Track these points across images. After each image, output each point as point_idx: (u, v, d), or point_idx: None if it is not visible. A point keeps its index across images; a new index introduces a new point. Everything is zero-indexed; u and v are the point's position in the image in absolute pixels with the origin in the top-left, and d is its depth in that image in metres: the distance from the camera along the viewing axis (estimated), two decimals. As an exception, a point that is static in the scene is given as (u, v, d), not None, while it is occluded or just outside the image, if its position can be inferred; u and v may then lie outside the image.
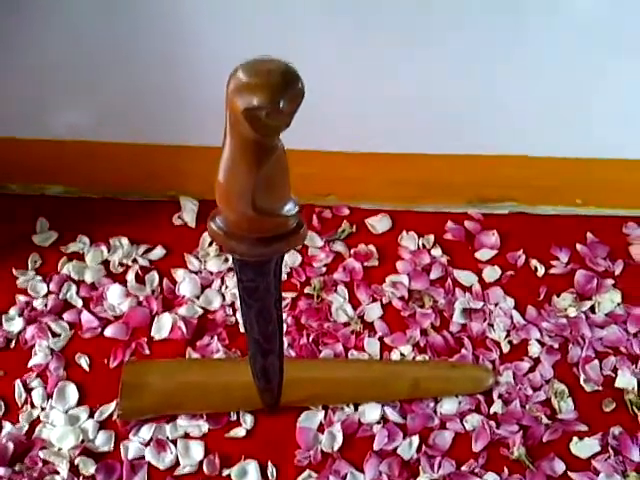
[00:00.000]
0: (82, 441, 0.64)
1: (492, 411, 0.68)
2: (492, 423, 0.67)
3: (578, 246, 0.81)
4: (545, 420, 0.68)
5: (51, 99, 0.72)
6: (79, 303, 0.74)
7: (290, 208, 0.40)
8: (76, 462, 0.63)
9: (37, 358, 0.69)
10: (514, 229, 0.82)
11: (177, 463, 0.64)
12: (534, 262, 0.79)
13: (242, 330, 0.72)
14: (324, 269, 0.78)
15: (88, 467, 0.63)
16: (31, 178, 0.81)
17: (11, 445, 0.63)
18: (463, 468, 0.65)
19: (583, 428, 0.67)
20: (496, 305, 0.76)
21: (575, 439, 0.67)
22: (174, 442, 0.65)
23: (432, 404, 0.68)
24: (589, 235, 0.82)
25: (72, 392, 0.68)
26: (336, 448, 0.65)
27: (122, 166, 0.79)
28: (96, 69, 0.70)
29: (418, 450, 0.66)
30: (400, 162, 0.77)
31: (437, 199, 0.82)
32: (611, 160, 0.77)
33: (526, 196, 0.82)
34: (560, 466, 0.65)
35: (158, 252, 0.78)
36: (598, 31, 0.66)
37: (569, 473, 0.65)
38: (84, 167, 0.79)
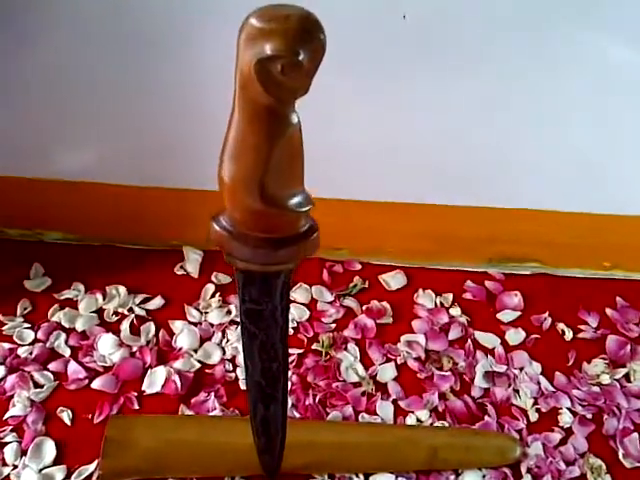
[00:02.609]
0: (55, 505, 0.57)
1: (521, 487, 0.61)
2: (521, 500, 0.60)
3: (608, 310, 0.75)
4: (581, 499, 0.60)
5: (54, 137, 0.70)
6: (67, 352, 0.68)
7: (302, 202, 0.36)
8: (45, 529, 0.56)
9: (15, 410, 0.63)
10: (538, 291, 0.77)
11: (161, 535, 0.57)
12: (561, 325, 0.73)
13: (243, 387, 0.66)
14: (333, 325, 0.72)
15: (58, 535, 0.56)
16: (29, 223, 0.77)
17: (-26, 506, 0.56)
18: None
19: (625, 510, 0.59)
20: (521, 370, 0.69)
21: (616, 523, 0.59)
22: (159, 509, 0.58)
23: (452, 477, 0.61)
24: (619, 299, 0.76)
25: (49, 449, 0.60)
26: (343, 525, 0.58)
27: (124, 211, 0.75)
28: (101, 108, 0.67)
29: (436, 531, 0.58)
30: (417, 214, 0.73)
31: (455, 256, 0.77)
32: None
33: (550, 256, 0.77)
34: None
35: (156, 302, 0.73)
36: (632, 84, 0.64)
37: None
38: (85, 211, 0.75)
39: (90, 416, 0.63)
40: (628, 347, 0.71)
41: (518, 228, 0.74)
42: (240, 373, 0.67)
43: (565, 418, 0.65)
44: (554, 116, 0.67)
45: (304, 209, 0.36)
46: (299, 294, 0.75)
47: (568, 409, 0.66)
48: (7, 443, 0.61)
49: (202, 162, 0.72)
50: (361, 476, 0.60)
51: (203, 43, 0.62)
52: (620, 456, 0.63)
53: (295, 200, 0.35)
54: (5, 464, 0.59)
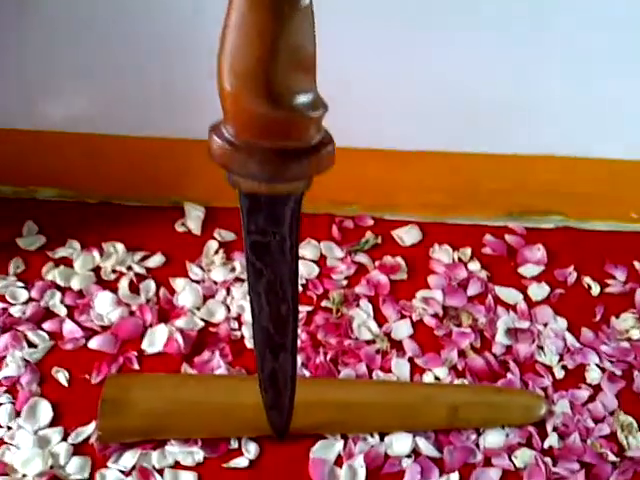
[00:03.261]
0: (51, 467, 0.53)
1: (546, 445, 0.56)
2: (547, 459, 0.55)
3: (636, 264, 0.71)
4: (612, 457, 0.56)
5: (47, 86, 0.66)
6: (62, 311, 0.64)
7: (314, 104, 0.31)
8: (41, 491, 0.52)
9: (8, 370, 0.59)
10: (562, 245, 0.72)
11: (164, 498, 0.53)
12: (587, 280, 0.69)
13: (249, 345, 0.62)
14: (344, 282, 0.68)
15: (55, 498, 0.52)
16: (22, 180, 0.73)
17: (-35, 468, 0.53)
18: (515, 513, 0.53)
19: (659, 469, 0.55)
20: (545, 326, 0.65)
21: (651, 482, 0.55)
22: (161, 472, 0.54)
23: (473, 436, 0.57)
24: (648, 252, 0.72)
25: (45, 410, 0.57)
26: (358, 485, 0.54)
27: (122, 166, 0.71)
28: (95, 53, 0.63)
29: (458, 490, 0.54)
30: (432, 163, 0.68)
31: (473, 210, 0.73)
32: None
33: (574, 209, 0.73)
34: (635, 515, 0.53)
35: (156, 259, 0.69)
36: None
37: (647, 524, 0.53)
38: (80, 166, 0.71)
39: (87, 376, 0.59)
40: (659, 301, 0.67)
41: (540, 177, 0.70)
42: (246, 331, 0.63)
43: (593, 375, 0.61)
44: (577, 57, 0.62)
45: (316, 113, 0.31)
46: (307, 251, 0.71)
47: (596, 365, 0.62)
48: (0, 404, 0.57)
49: (203, 110, 0.68)
50: (376, 436, 0.56)
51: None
52: (653, 413, 0.59)
53: (306, 101, 0.31)
54: (-2, 426, 0.56)
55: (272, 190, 0.34)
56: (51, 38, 0.63)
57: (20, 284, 0.66)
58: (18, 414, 0.57)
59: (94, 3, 0.60)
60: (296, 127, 0.32)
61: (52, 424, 0.56)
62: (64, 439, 0.55)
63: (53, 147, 0.70)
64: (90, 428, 0.56)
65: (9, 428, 0.56)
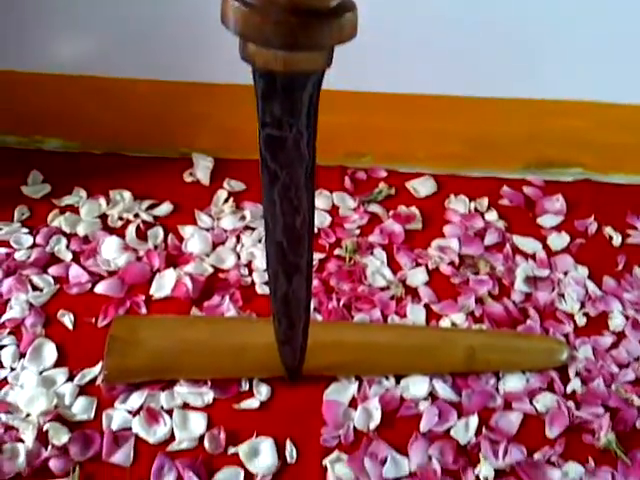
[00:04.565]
0: (56, 406, 0.51)
1: (569, 390, 0.54)
2: (570, 404, 0.53)
3: (658, 215, 0.69)
4: (638, 402, 0.54)
5: (54, 27, 0.64)
6: (68, 257, 0.62)
7: None
8: (45, 429, 0.50)
9: (12, 312, 0.57)
10: (581, 197, 0.70)
11: (172, 437, 0.50)
12: (608, 230, 0.67)
13: (260, 291, 0.60)
14: (357, 231, 0.66)
15: (60, 436, 0.49)
16: (27, 130, 0.71)
17: (-33, 406, 0.51)
18: (536, 456, 0.50)
19: (686, 415, 0.53)
20: (566, 274, 0.63)
21: (678, 427, 0.53)
22: (170, 413, 0.52)
23: (493, 380, 0.55)
24: (670, 205, 0.70)
25: (50, 352, 0.55)
26: (372, 427, 0.52)
27: (128, 114, 0.69)
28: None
29: (477, 433, 0.51)
30: (448, 109, 0.66)
31: (490, 162, 0.71)
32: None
33: (593, 159, 0.71)
34: (663, 459, 0.51)
35: (164, 208, 0.67)
36: None
37: (675, 468, 0.51)
38: (86, 115, 0.69)
39: (93, 320, 0.58)
40: (683, 250, 0.65)
41: (559, 124, 0.67)
42: (257, 278, 0.62)
43: (616, 322, 0.59)
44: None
45: None
46: (319, 201, 0.69)
47: (619, 312, 0.60)
48: (4, 346, 0.55)
49: (210, 52, 0.66)
50: (391, 378, 0.54)
51: None
52: (678, 359, 0.57)
53: None
54: (2, 366, 0.54)
55: (289, 65, 0.32)
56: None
57: (25, 230, 0.64)
58: (22, 355, 0.55)
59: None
60: None
61: (57, 365, 0.55)
62: (69, 380, 0.54)
63: (57, 91, 0.68)
64: (96, 370, 0.54)
65: (13, 369, 0.54)
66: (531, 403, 0.54)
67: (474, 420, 0.52)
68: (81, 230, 0.64)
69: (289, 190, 0.38)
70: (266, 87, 0.33)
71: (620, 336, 0.59)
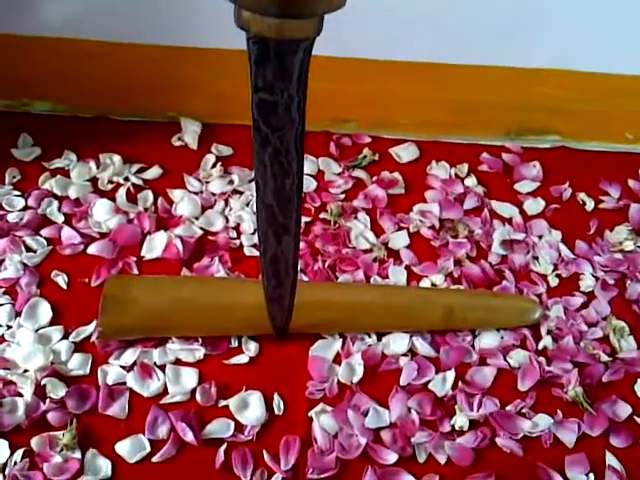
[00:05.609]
0: (52, 362, 0.54)
1: (540, 347, 0.58)
2: (542, 359, 0.57)
3: (630, 182, 0.71)
4: (604, 358, 0.57)
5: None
6: (60, 219, 0.63)
7: None
8: (43, 383, 0.52)
9: (6, 272, 0.59)
10: (557, 163, 0.72)
11: (165, 391, 0.53)
12: (581, 196, 0.70)
13: (248, 253, 0.63)
14: (342, 196, 0.68)
15: (57, 390, 0.52)
16: (15, 92, 0.72)
17: (-34, 362, 0.53)
18: (508, 408, 0.54)
19: (649, 369, 0.57)
20: (540, 237, 0.66)
21: (640, 381, 0.56)
22: (162, 368, 0.54)
23: (469, 338, 0.58)
24: (642, 172, 0.73)
25: (45, 310, 0.57)
26: (355, 381, 0.55)
27: (117, 78, 0.70)
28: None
29: (453, 387, 0.55)
30: (430, 75, 0.68)
31: (471, 129, 0.73)
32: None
33: (570, 127, 0.73)
34: (625, 409, 0.54)
35: (154, 172, 0.68)
36: None
37: (636, 418, 0.54)
38: (74, 78, 0.70)
39: (87, 280, 0.60)
40: (652, 216, 0.68)
41: (538, 92, 0.69)
42: (245, 240, 0.64)
43: (587, 282, 0.62)
44: None
45: None
46: (305, 166, 0.69)
47: (590, 274, 0.63)
48: (0, 305, 0.58)
49: (199, 18, 0.67)
50: (373, 336, 0.57)
51: None
52: (644, 318, 0.61)
53: None
54: (-2, 325, 0.57)
55: (281, 32, 0.33)
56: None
57: (17, 193, 0.65)
58: (18, 314, 0.57)
59: None
60: None
61: (52, 323, 0.57)
62: (65, 337, 0.56)
63: (45, 54, 0.68)
64: (91, 328, 0.56)
65: (9, 327, 0.56)
66: (505, 359, 0.57)
67: (451, 374, 0.55)
68: (72, 193, 0.66)
69: (280, 153, 0.40)
70: (259, 53, 0.35)
71: (590, 296, 0.62)
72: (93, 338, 0.56)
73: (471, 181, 0.70)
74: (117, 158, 0.69)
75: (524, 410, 0.54)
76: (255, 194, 0.43)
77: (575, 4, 0.63)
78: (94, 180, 0.67)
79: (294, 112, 0.37)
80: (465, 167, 0.71)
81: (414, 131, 0.74)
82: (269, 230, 0.45)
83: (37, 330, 0.56)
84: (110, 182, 0.67)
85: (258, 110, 0.37)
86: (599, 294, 0.62)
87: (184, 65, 0.69)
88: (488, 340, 0.58)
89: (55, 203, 0.65)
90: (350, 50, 0.66)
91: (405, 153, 0.73)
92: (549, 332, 0.59)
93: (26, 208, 0.64)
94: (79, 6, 0.65)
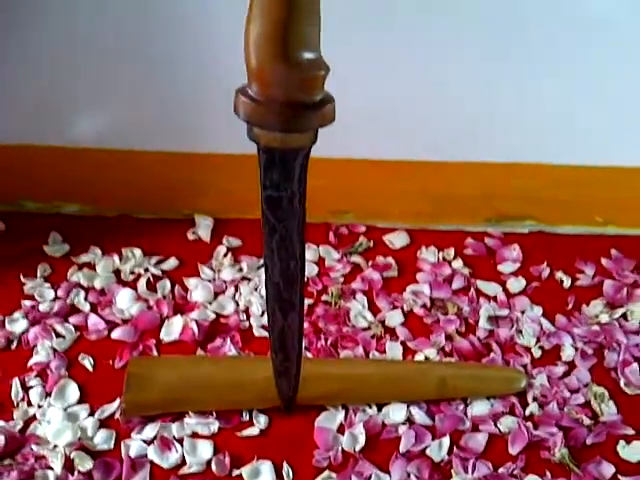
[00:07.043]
0: (80, 438, 0.59)
1: (527, 413, 0.62)
2: (529, 424, 0.61)
3: (603, 260, 0.79)
4: (587, 422, 0.62)
5: (67, 104, 0.74)
6: (86, 307, 0.70)
7: (319, 65, 0.39)
8: (72, 457, 0.57)
9: (38, 357, 0.65)
10: (535, 246, 0.80)
11: (183, 462, 0.58)
12: (559, 274, 0.77)
13: (257, 333, 0.69)
14: (341, 279, 0.75)
15: (84, 463, 0.57)
16: (47, 196, 0.81)
17: (2, 439, 0.57)
18: (501, 470, 0.58)
19: (630, 432, 0.61)
20: (523, 313, 0.72)
21: (622, 442, 0.60)
22: (180, 441, 0.59)
23: (462, 406, 0.63)
24: (613, 251, 0.80)
25: (72, 391, 0.63)
26: (358, 449, 0.59)
27: (138, 181, 0.79)
28: (113, 73, 0.71)
29: (449, 452, 0.59)
30: (416, 172, 0.77)
31: (455, 217, 0.81)
32: (628, 169, 0.77)
33: (545, 214, 0.81)
34: (609, 469, 0.59)
35: (171, 263, 0.76)
36: (614, 35, 0.68)
37: (620, 477, 0.58)
38: (100, 182, 0.79)
39: (111, 362, 0.66)
40: (624, 290, 0.74)
41: (512, 184, 0.78)
42: (254, 322, 0.70)
43: (567, 352, 0.68)
44: (540, 68, 0.70)
45: (321, 72, 0.39)
46: (307, 254, 0.76)
47: (570, 345, 0.69)
48: (32, 387, 0.63)
49: (209, 128, 0.76)
50: (374, 407, 0.62)
51: (215, 16, 0.66)
52: (622, 384, 0.65)
53: (313, 62, 0.39)
54: (30, 405, 0.62)
55: (285, 143, 0.42)
56: (72, 63, 0.71)
57: (47, 285, 0.73)
58: (48, 395, 0.62)
59: (117, 33, 0.69)
60: (305, 84, 0.39)
61: (80, 402, 0.62)
62: (91, 415, 0.61)
63: (74, 162, 0.77)
64: (114, 405, 0.62)
65: (39, 406, 0.62)
66: (495, 425, 0.62)
67: (446, 441, 0.60)
68: (97, 284, 0.73)
69: (285, 240, 0.47)
70: (267, 159, 0.43)
71: (571, 365, 0.67)
72: (117, 415, 0.61)
73: (458, 264, 0.77)
74: (138, 252, 0.76)
75: (515, 472, 0.58)
76: (264, 275, 0.50)
77: (538, 107, 0.73)
78: (117, 272, 0.75)
79: (296, 205, 0.45)
80: (452, 251, 0.79)
81: (404, 220, 0.82)
82: (276, 307, 0.51)
83: (66, 409, 0.61)
84: (132, 273, 0.74)
85: (266, 204, 0.45)
86: (579, 363, 0.67)
87: (196, 168, 0.78)
88: (479, 408, 0.63)
89: (82, 293, 0.72)
90: (345, 152, 0.75)
91: (397, 240, 0.80)
92: (535, 399, 0.64)
93: (56, 298, 0.71)
94: (103, 120, 0.75)
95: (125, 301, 0.71)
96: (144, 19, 0.69)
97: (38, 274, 0.74)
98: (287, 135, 0.41)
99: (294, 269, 0.49)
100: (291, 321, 0.52)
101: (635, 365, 0.67)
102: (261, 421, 0.61)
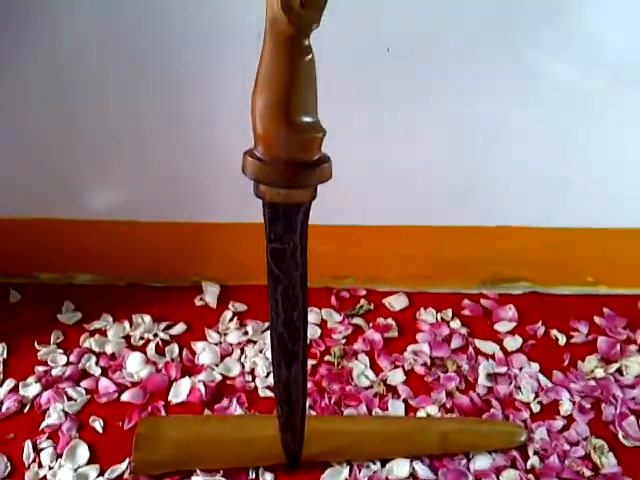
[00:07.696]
0: (90, 498, 0.60)
1: (529, 466, 0.64)
2: (531, 477, 0.62)
3: (596, 318, 0.81)
4: (588, 473, 0.63)
5: (77, 179, 0.79)
6: (97, 372, 0.73)
7: (317, 128, 0.44)
8: (82, 516, 0.58)
9: (50, 420, 0.67)
10: (530, 306, 0.83)
11: (191, 520, 0.59)
12: (554, 332, 0.79)
13: (262, 394, 0.71)
14: (344, 340, 0.78)
15: (94, 522, 0.58)
16: (60, 267, 0.84)
17: (14, 500, 0.59)
18: (504, 523, 0.59)
19: (631, 483, 0.62)
20: (520, 369, 0.74)
21: (624, 494, 0.62)
22: (188, 499, 0.61)
23: (464, 461, 0.64)
24: (605, 310, 0.82)
25: (83, 452, 0.64)
26: (363, 505, 0.60)
27: (147, 250, 0.83)
28: (120, 151, 0.77)
29: (453, 506, 0.60)
30: (414, 236, 0.81)
31: (451, 279, 0.84)
32: (617, 231, 0.81)
33: (538, 275, 0.84)
34: (612, 521, 0.60)
35: (179, 328, 0.79)
36: (600, 100, 0.73)
37: (622, 528, 0.59)
38: (111, 252, 0.83)
39: (120, 423, 0.67)
40: (618, 346, 0.77)
41: (506, 247, 0.82)
42: (259, 382, 0.72)
43: (566, 406, 0.70)
44: (533, 138, 0.75)
45: (319, 135, 0.44)
46: (310, 317, 0.80)
47: (568, 400, 0.71)
48: (43, 449, 0.65)
49: (214, 200, 0.81)
50: (378, 463, 0.64)
51: (218, 87, 0.72)
52: (620, 437, 0.67)
53: (311, 125, 0.44)
54: (41, 466, 0.63)
55: (287, 199, 0.46)
56: (83, 141, 0.76)
57: (60, 351, 0.75)
58: (59, 456, 0.64)
59: (136, 111, 0.75)
60: (304, 145, 0.44)
61: (89, 463, 0.64)
62: (101, 474, 0.63)
63: (87, 235, 0.82)
64: (124, 465, 0.63)
65: (50, 468, 0.63)
66: (498, 478, 0.63)
67: (450, 495, 0.61)
68: (108, 349, 0.76)
69: (288, 290, 0.51)
70: (271, 214, 0.47)
71: (570, 419, 0.69)
72: (126, 475, 0.62)
73: (456, 324, 0.80)
74: (147, 318, 0.79)
75: (519, 524, 0.59)
76: (269, 325, 0.53)
77: (532, 171, 0.78)
78: (128, 337, 0.78)
79: (298, 257, 0.49)
80: (450, 312, 0.82)
81: (403, 284, 0.85)
82: (281, 359, 0.54)
83: (76, 469, 0.63)
84: (141, 338, 0.77)
85: (271, 256, 0.49)
86: (578, 417, 0.69)
87: (203, 237, 0.82)
88: (481, 462, 0.64)
89: (93, 358, 0.74)
90: (344, 220, 0.80)
91: (396, 302, 0.83)
92: (536, 452, 0.65)
93: (68, 364, 0.74)
94: (114, 194, 0.79)
95: (135, 365, 0.73)
96: (154, 111, 0.74)
97: (51, 341, 0.77)
98: (289, 191, 0.46)
99: (297, 320, 0.52)
100: (295, 373, 0.55)
101: (632, 418, 0.68)
102: (267, 479, 0.62)
